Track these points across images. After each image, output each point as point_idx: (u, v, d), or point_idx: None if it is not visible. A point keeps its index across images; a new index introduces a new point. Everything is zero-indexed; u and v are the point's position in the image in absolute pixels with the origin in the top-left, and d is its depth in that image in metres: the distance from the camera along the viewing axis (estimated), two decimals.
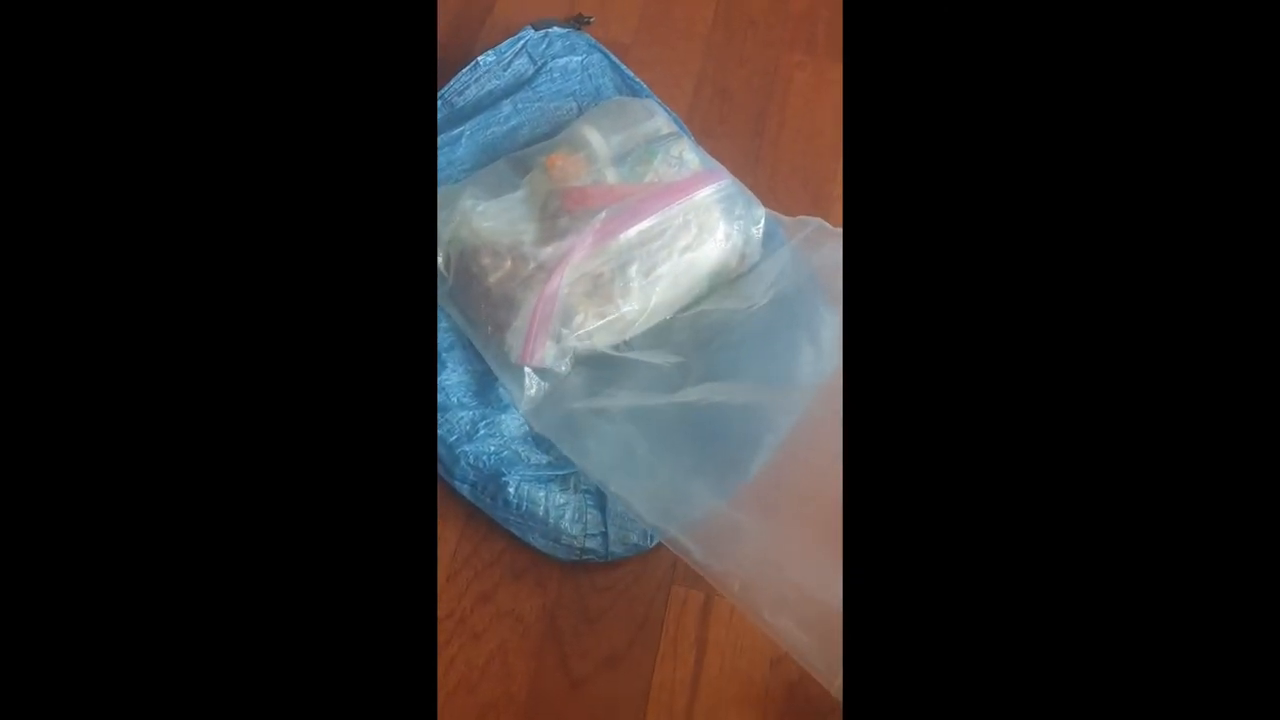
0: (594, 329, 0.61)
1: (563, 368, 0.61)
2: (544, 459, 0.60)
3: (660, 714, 0.54)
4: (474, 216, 0.62)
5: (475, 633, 0.56)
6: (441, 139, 0.70)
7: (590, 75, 0.74)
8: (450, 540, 0.59)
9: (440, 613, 0.56)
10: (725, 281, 0.65)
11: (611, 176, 0.64)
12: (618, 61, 0.74)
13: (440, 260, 0.63)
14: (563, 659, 0.55)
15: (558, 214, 0.63)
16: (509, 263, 0.61)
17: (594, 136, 0.65)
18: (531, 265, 0.60)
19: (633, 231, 0.61)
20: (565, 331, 0.60)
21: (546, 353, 0.60)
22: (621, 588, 0.58)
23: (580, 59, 0.74)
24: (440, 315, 0.63)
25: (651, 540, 0.58)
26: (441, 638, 0.55)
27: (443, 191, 0.65)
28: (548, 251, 0.61)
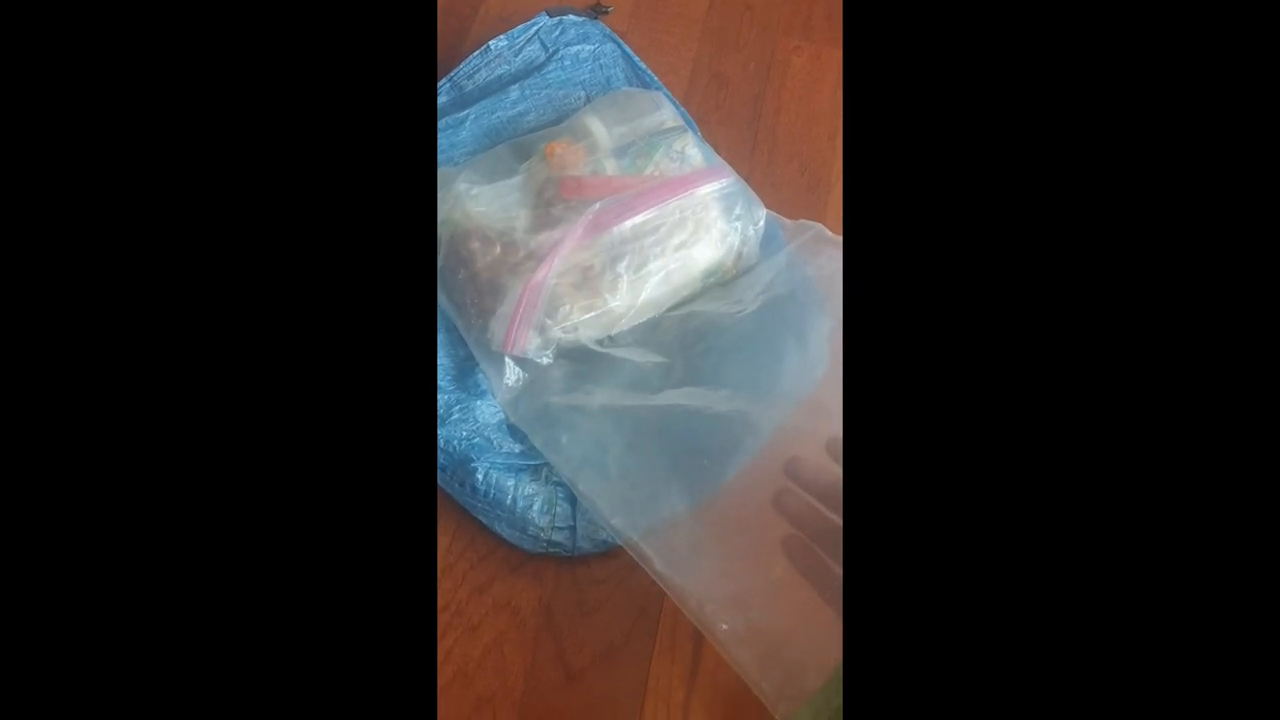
0: (579, 322, 0.60)
1: (544, 359, 0.61)
2: (517, 448, 0.59)
3: (658, 706, 0.54)
4: (467, 200, 0.62)
5: (472, 625, 0.56)
6: (446, 121, 0.69)
7: (601, 65, 0.73)
8: (446, 533, 0.58)
9: (437, 605, 0.56)
10: (719, 282, 0.64)
11: (611, 168, 0.63)
12: (630, 52, 0.73)
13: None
14: (559, 651, 0.55)
15: (552, 202, 0.62)
16: (498, 249, 0.60)
17: (596, 126, 0.64)
18: (521, 253, 0.60)
19: (627, 225, 0.60)
20: (550, 322, 0.59)
21: (529, 342, 0.60)
22: (618, 580, 0.57)
23: (593, 48, 0.73)
24: None
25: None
26: (438, 629, 0.55)
27: (439, 173, 0.64)
28: (539, 240, 0.60)
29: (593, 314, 0.60)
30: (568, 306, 0.60)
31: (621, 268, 0.60)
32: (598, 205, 0.60)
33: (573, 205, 0.61)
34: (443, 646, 0.55)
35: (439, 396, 0.60)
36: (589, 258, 0.60)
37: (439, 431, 0.58)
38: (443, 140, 0.69)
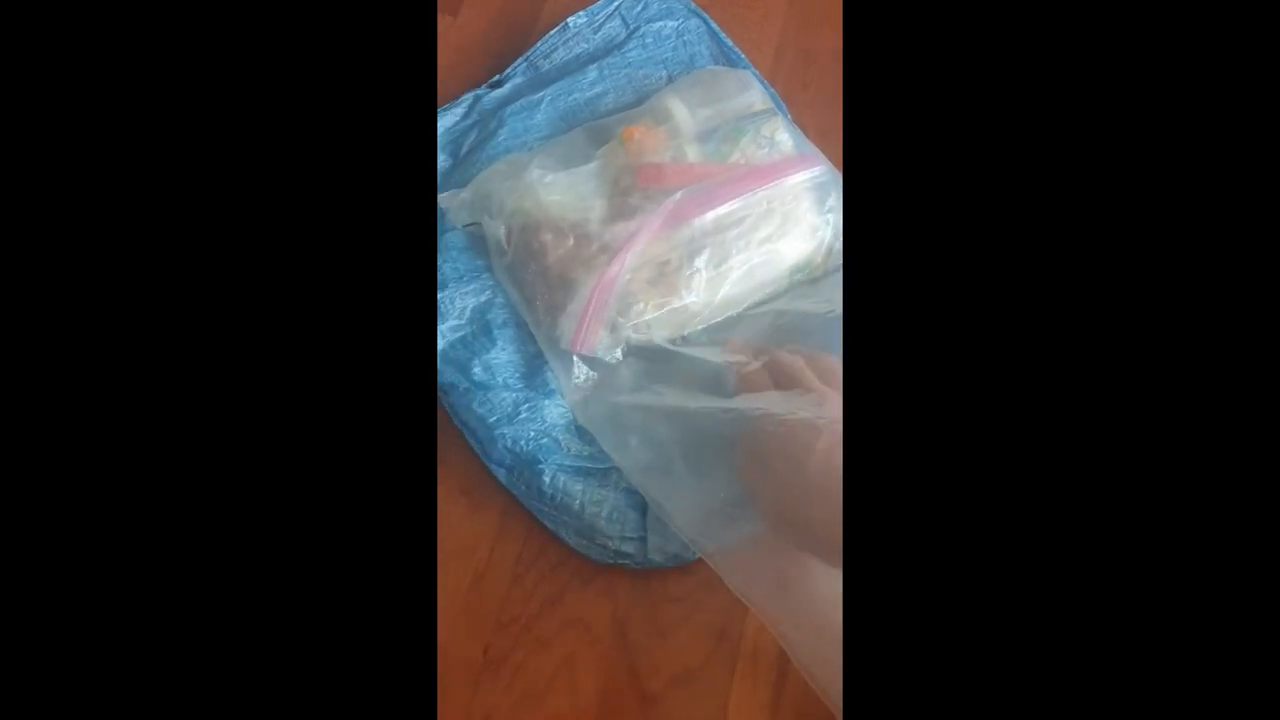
0: (653, 319, 0.56)
1: (614, 358, 0.57)
2: (585, 451, 0.56)
3: None
4: (540, 189, 0.58)
5: (542, 640, 0.53)
6: (521, 104, 0.66)
7: (685, 42, 0.69)
8: (516, 541, 0.56)
9: (505, 617, 0.54)
10: (807, 279, 0.59)
11: (693, 154, 0.59)
12: (717, 29, 0.69)
13: (501, 233, 0.59)
14: (633, 673, 0.52)
15: (629, 191, 0.58)
16: (571, 241, 0.57)
17: (679, 109, 0.60)
18: (594, 246, 0.56)
19: (708, 217, 0.56)
20: (621, 320, 0.56)
21: (600, 341, 0.56)
22: (696, 598, 0.54)
23: (676, 24, 0.69)
24: (496, 291, 0.60)
25: (694, 554, 0.53)
26: (506, 643, 0.53)
27: (510, 159, 0.62)
28: (613, 232, 0.56)
29: (667, 310, 0.56)
30: (641, 304, 0.56)
31: (700, 262, 0.56)
32: (678, 195, 0.56)
33: (651, 195, 0.57)
34: (511, 661, 0.53)
35: (507, 394, 0.57)
36: (666, 251, 0.56)
37: (506, 430, 0.56)
38: (517, 124, 0.66)
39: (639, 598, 0.54)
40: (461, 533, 0.56)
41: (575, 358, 0.57)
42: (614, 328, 0.56)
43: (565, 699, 0.52)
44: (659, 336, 0.57)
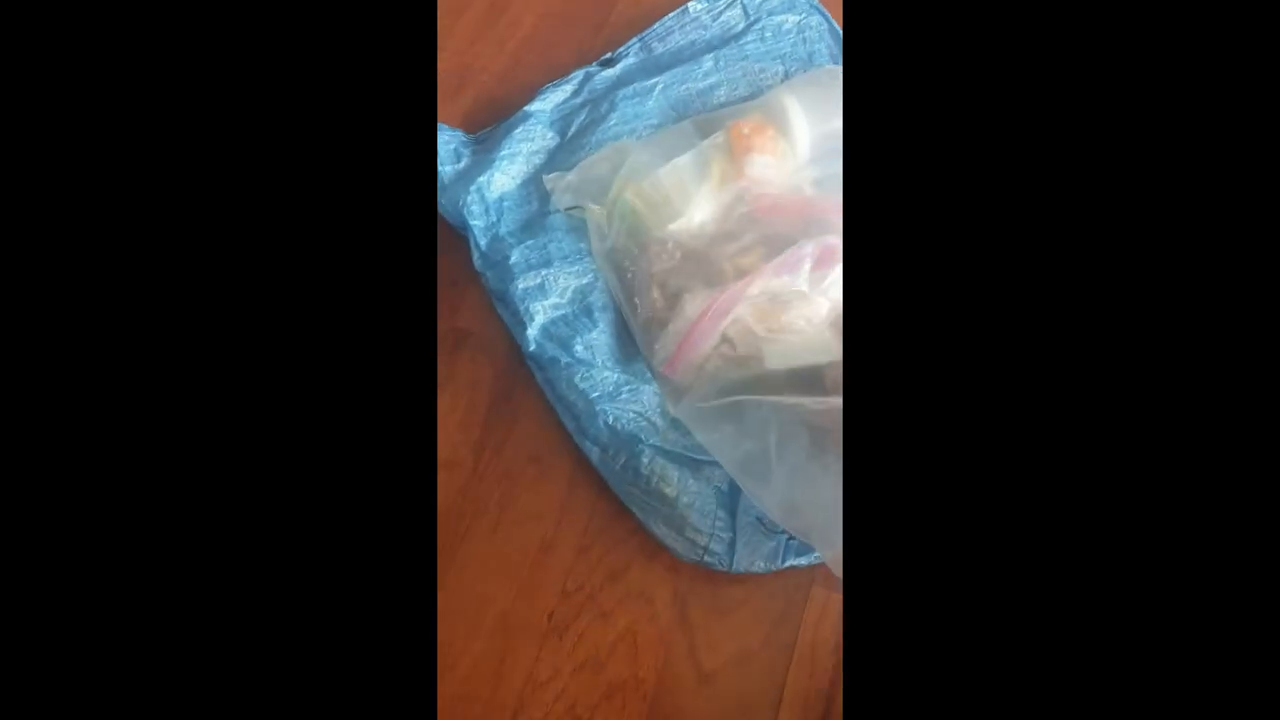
0: (762, 347, 0.56)
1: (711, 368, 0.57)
2: (682, 440, 0.57)
3: None
4: (642, 178, 0.59)
5: (604, 611, 0.55)
6: (634, 89, 0.67)
7: (805, 39, 0.68)
8: (584, 512, 0.57)
9: (570, 586, 0.55)
10: None
11: (809, 185, 0.57)
12: (838, 26, 0.68)
13: (603, 218, 0.60)
14: (691, 649, 0.54)
15: (747, 220, 0.57)
16: (678, 255, 0.57)
17: (793, 109, 0.59)
18: (703, 264, 0.56)
19: (833, 268, 0.54)
20: (726, 349, 0.55)
21: (696, 365, 0.56)
22: (757, 581, 0.55)
23: (798, 19, 0.69)
24: (599, 275, 0.62)
25: (782, 562, 0.54)
26: (570, 612, 0.55)
27: (616, 146, 0.62)
28: (724, 251, 0.55)
29: (779, 344, 0.55)
30: (753, 334, 0.55)
31: (824, 310, 0.55)
32: (807, 248, 0.55)
33: (767, 226, 0.56)
34: (574, 629, 0.54)
35: (609, 374, 0.58)
36: (784, 285, 0.55)
37: (608, 407, 0.57)
38: (628, 109, 0.67)
39: (700, 576, 0.55)
40: (530, 499, 0.57)
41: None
42: (712, 357, 0.56)
43: (625, 669, 0.53)
44: (758, 368, 0.56)
